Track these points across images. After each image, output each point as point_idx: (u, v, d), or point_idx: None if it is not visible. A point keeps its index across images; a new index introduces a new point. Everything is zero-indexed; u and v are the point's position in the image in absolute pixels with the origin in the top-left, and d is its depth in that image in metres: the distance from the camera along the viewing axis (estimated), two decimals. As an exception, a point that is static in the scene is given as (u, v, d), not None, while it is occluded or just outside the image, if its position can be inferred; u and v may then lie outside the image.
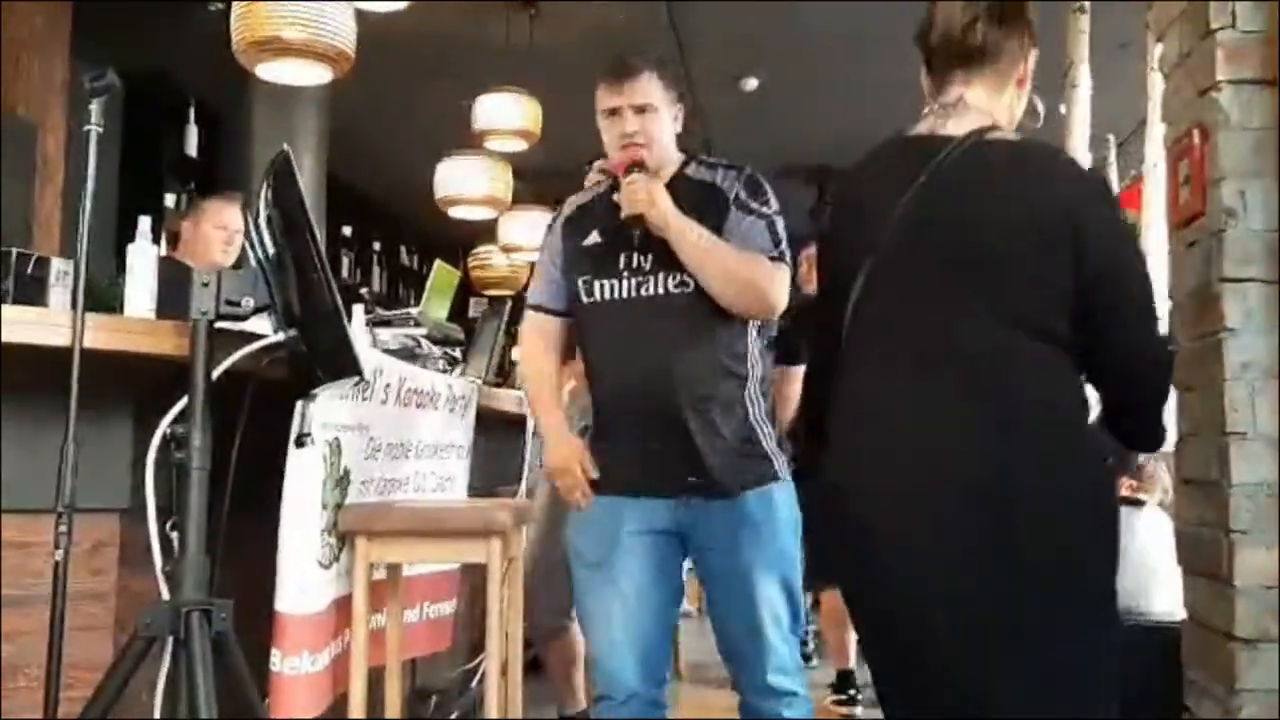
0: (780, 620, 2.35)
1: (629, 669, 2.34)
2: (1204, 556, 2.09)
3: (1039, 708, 1.61)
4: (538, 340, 2.53)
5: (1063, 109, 5.44)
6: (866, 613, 1.83)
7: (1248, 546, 1.96)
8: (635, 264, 2.39)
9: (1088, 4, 5.28)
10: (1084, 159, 5.42)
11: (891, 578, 1.70)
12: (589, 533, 2.41)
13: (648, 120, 2.40)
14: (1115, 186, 6.58)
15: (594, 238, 2.46)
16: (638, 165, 2.37)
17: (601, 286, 2.40)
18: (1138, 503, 2.99)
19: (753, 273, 2.33)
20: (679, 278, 2.35)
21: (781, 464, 2.40)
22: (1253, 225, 2.01)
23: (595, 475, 2.39)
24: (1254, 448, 1.99)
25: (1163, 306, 2.34)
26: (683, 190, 2.39)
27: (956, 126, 1.79)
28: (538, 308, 2.53)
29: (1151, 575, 2.77)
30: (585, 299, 2.43)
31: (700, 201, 2.39)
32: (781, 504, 2.38)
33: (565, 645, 3.34)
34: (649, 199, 2.33)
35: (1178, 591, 2.27)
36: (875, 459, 1.73)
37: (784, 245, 2.39)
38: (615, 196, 2.41)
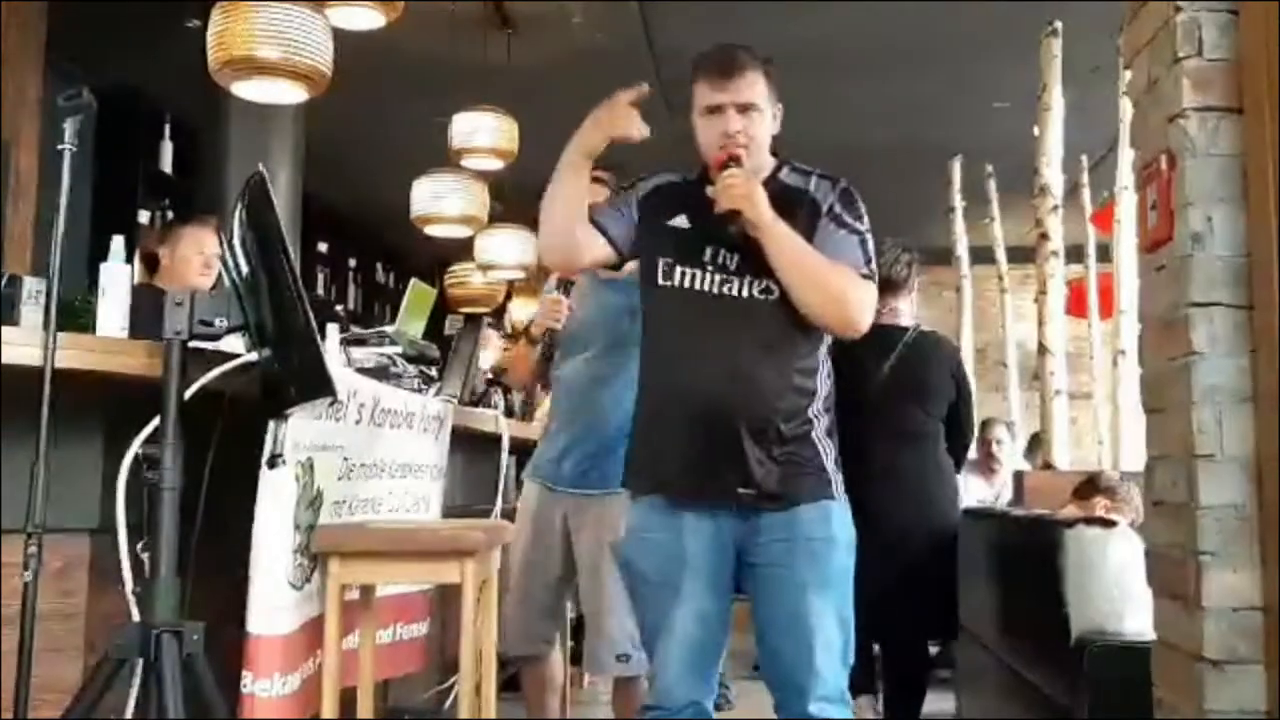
0: (831, 646, 2.26)
1: (684, 682, 2.31)
2: (1173, 578, 2.11)
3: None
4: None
5: (1036, 131, 5.51)
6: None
7: (1216, 568, 1.98)
8: (721, 260, 2.32)
9: (1060, 28, 5.34)
10: (1057, 179, 5.48)
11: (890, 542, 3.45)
12: (647, 550, 2.37)
13: (751, 120, 2.33)
14: (1088, 207, 6.66)
15: (681, 220, 2.38)
16: (734, 160, 2.30)
17: (683, 273, 2.33)
18: (1110, 524, 3.00)
19: (843, 286, 2.28)
20: (764, 284, 2.29)
21: (839, 483, 2.34)
22: (1219, 250, 2.04)
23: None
24: (1222, 470, 2.00)
25: (1137, 328, 2.37)
26: (773, 194, 2.31)
27: (894, 320, 3.81)
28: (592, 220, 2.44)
29: (1123, 596, 2.78)
30: (663, 280, 2.35)
31: (790, 207, 2.32)
32: (838, 522, 2.32)
33: (542, 672, 3.29)
34: (748, 196, 2.26)
35: (1149, 612, 2.29)
36: (882, 482, 3.58)
37: (874, 264, 2.35)
38: (709, 190, 2.33)
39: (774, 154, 2.44)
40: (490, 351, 4.03)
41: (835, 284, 2.28)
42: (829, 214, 2.34)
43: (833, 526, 2.31)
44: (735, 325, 2.30)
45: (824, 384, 2.36)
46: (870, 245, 2.35)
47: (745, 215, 2.26)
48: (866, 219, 2.37)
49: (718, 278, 2.32)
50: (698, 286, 2.32)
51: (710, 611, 2.32)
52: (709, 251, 2.33)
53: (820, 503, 2.30)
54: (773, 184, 2.36)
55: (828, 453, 2.34)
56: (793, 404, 2.30)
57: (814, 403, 2.33)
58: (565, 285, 3.12)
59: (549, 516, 3.18)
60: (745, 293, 2.30)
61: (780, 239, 2.26)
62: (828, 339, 2.39)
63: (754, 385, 2.27)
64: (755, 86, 2.34)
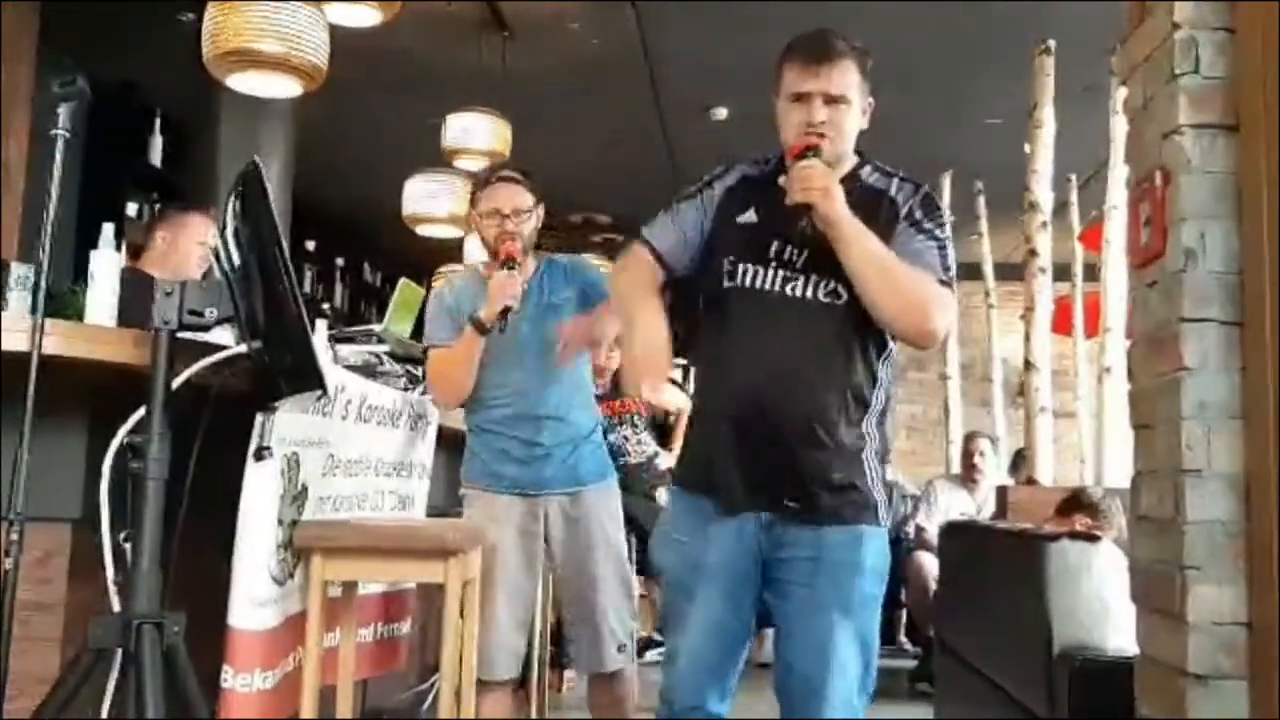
0: (846, 672, 2.16)
1: (692, 686, 2.25)
2: (1157, 592, 2.11)
3: None
4: (640, 272, 2.32)
5: (1027, 148, 5.52)
6: None
7: (1201, 583, 1.98)
8: (787, 256, 2.19)
9: (1054, 46, 5.36)
10: (1046, 196, 5.50)
11: None
12: (671, 551, 2.31)
13: (839, 112, 2.19)
14: (1076, 226, 6.69)
15: (750, 215, 2.25)
16: (812, 150, 2.16)
17: (745, 271, 2.21)
18: (1094, 538, 3.00)
19: (921, 292, 2.14)
20: (831, 285, 2.16)
21: (882, 510, 2.22)
22: (1211, 266, 2.04)
23: (671, 373, 2.20)
24: (1209, 485, 2.00)
25: (1123, 346, 2.37)
26: (852, 193, 2.18)
27: None
28: (645, 241, 2.33)
29: (1106, 610, 2.79)
30: (726, 282, 2.23)
31: (868, 208, 2.18)
32: (870, 550, 2.19)
33: (509, 696, 3.10)
34: (824, 189, 2.11)
35: (1132, 627, 2.29)
36: None
37: (953, 273, 2.21)
38: (781, 180, 2.17)
39: (858, 152, 2.32)
40: None
41: (912, 288, 2.14)
42: (908, 218, 2.21)
43: (863, 552, 2.19)
44: (794, 328, 2.18)
45: (881, 399, 2.24)
46: (951, 254, 2.22)
47: (818, 209, 2.11)
48: (949, 227, 2.25)
49: (781, 274, 2.19)
50: (759, 285, 2.20)
51: (725, 623, 2.23)
52: (775, 246, 2.20)
53: (855, 526, 2.18)
54: (852, 182, 2.24)
55: (875, 474, 2.22)
56: (846, 417, 2.18)
57: (868, 418, 2.22)
58: (509, 263, 2.94)
59: (533, 525, 3.06)
60: (809, 294, 2.18)
61: (854, 237, 2.12)
62: (892, 350, 2.27)
63: (806, 393, 2.16)
64: (847, 77, 2.20)
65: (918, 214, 2.22)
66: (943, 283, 2.18)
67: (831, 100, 2.19)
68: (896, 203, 2.24)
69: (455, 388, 3.06)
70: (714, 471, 2.23)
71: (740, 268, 2.22)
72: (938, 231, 2.22)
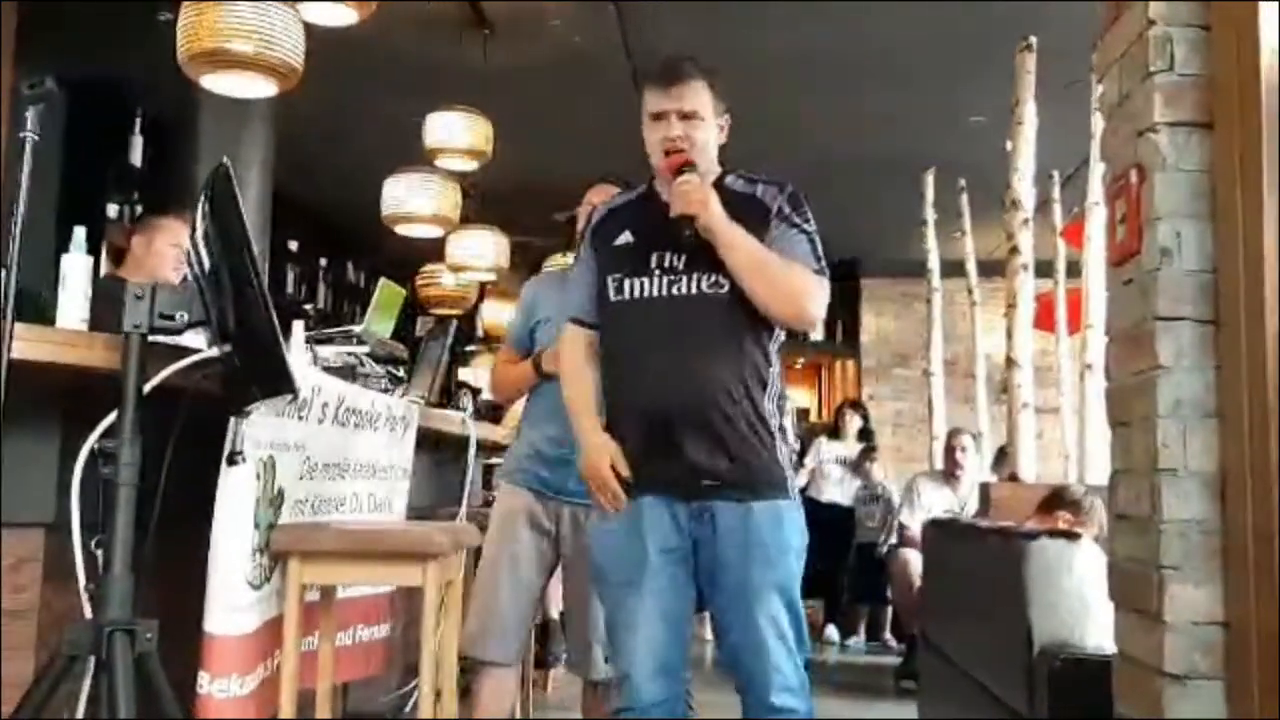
0: (785, 638, 2.35)
1: (652, 681, 2.37)
2: (1135, 592, 2.11)
3: None
4: (577, 351, 2.54)
5: (1009, 145, 5.52)
6: None
7: (1178, 582, 1.98)
8: (668, 263, 2.39)
9: (1035, 43, 5.36)
10: (1028, 193, 5.49)
11: None
12: (611, 553, 2.44)
13: (694, 127, 2.41)
14: (1059, 223, 6.70)
15: (625, 237, 2.47)
16: (689, 166, 2.38)
17: (632, 285, 2.41)
18: (1074, 536, 3.00)
19: (799, 283, 2.37)
20: (713, 278, 2.36)
21: (793, 483, 2.41)
22: (1187, 265, 2.04)
23: (627, 474, 2.38)
24: (1185, 484, 2.00)
25: (1104, 342, 2.38)
26: (723, 201, 2.39)
27: None
28: (576, 320, 2.55)
29: (1086, 609, 2.79)
30: (614, 296, 2.43)
31: (740, 212, 2.39)
32: (789, 522, 2.39)
33: (510, 680, 3.17)
34: (703, 201, 2.33)
35: (1111, 625, 2.29)
36: None
37: (823, 262, 2.42)
38: (664, 196, 2.41)
39: (721, 164, 2.51)
40: None
41: (791, 281, 2.36)
42: (779, 216, 2.42)
43: (784, 530, 2.37)
44: (687, 323, 2.36)
45: (776, 380, 2.43)
46: (819, 244, 2.43)
47: (699, 220, 2.32)
48: (813, 221, 2.45)
49: (666, 279, 2.39)
50: (647, 294, 2.39)
51: (672, 610, 2.39)
52: (655, 258, 2.40)
53: (774, 503, 2.36)
54: (720, 191, 2.43)
55: (781, 449, 2.40)
56: (748, 397, 2.36)
57: (768, 397, 2.39)
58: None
59: (545, 524, 3.14)
60: (695, 289, 2.37)
61: (734, 241, 2.33)
62: (779, 333, 2.45)
63: (709, 380, 2.33)
64: (698, 95, 2.42)
65: (786, 210, 2.43)
66: (816, 271, 2.42)
67: (686, 116, 2.40)
68: (764, 203, 2.43)
69: (504, 397, 3.56)
70: (635, 469, 2.39)
71: (626, 282, 2.41)
72: (805, 226, 2.43)
